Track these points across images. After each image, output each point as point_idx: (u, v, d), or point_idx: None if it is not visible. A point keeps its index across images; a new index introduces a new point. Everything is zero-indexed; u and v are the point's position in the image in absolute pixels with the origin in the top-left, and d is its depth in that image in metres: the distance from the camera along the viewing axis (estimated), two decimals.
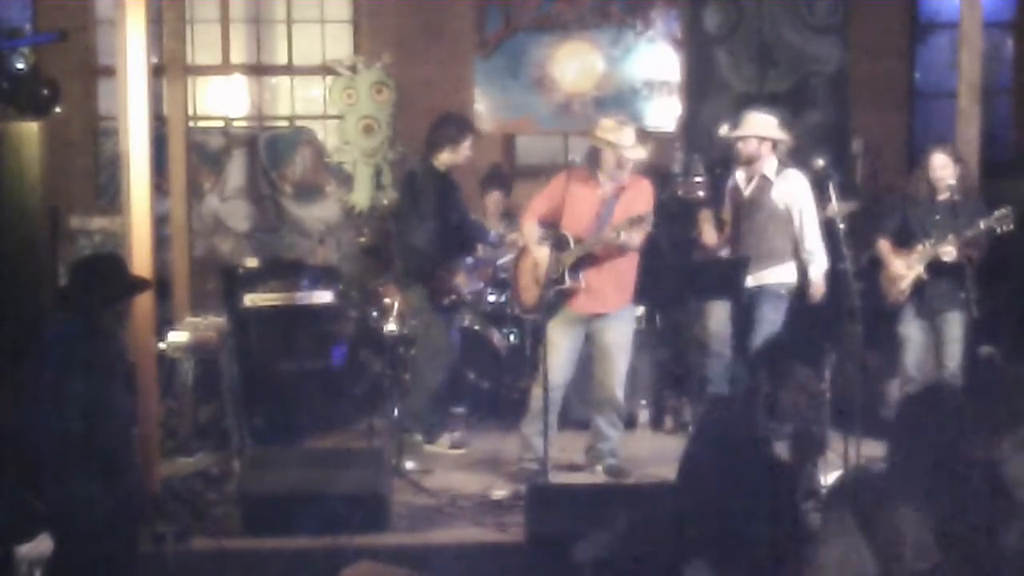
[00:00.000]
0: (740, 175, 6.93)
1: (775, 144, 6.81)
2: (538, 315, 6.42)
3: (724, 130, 7.30)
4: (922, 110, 9.61)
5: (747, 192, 6.86)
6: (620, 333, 6.45)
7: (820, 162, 6.55)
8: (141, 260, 5.65)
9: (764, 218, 6.79)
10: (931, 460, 2.99)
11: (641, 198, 6.36)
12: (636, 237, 6.23)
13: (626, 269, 6.42)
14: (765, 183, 6.82)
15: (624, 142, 6.27)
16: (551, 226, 6.43)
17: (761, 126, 6.81)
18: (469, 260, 7.40)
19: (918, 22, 9.64)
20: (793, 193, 6.79)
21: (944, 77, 8.93)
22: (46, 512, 4.72)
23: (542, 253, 6.36)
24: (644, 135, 6.56)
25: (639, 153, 6.36)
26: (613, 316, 6.42)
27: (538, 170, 8.69)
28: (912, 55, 9.60)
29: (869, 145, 9.14)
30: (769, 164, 6.81)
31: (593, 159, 6.41)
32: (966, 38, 6.71)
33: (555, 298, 6.30)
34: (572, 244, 6.29)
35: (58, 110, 7.03)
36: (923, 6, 9.67)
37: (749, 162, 6.83)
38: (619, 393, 6.43)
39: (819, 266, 6.80)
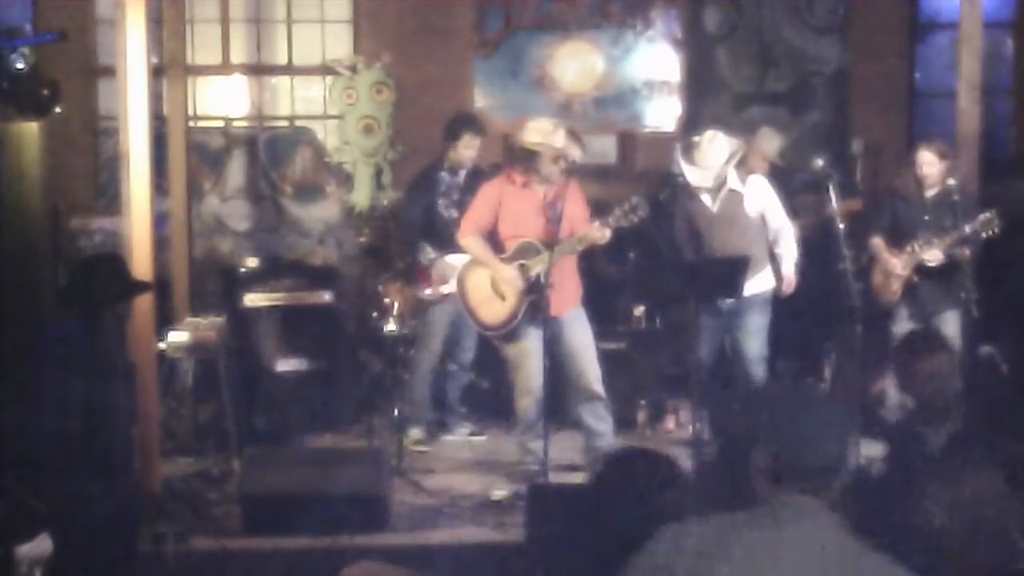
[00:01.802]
0: (705, 196, 6.73)
1: (731, 157, 6.63)
2: (507, 330, 6.36)
3: (682, 167, 6.93)
4: (922, 110, 9.61)
5: (715, 208, 6.72)
6: (585, 330, 6.44)
7: (820, 162, 6.54)
8: (141, 260, 5.64)
9: (740, 230, 6.66)
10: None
11: (579, 197, 6.40)
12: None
13: (575, 268, 6.46)
14: (735, 196, 6.67)
15: (558, 143, 6.26)
16: (488, 236, 6.40)
17: (717, 155, 6.59)
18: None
19: (918, 22, 9.64)
20: (761, 199, 6.71)
21: (944, 77, 8.93)
22: (46, 512, 4.73)
23: (506, 270, 6.28)
24: (574, 135, 6.49)
25: (576, 152, 6.34)
26: (575, 315, 6.42)
27: None
28: (912, 55, 9.60)
29: (869, 145, 9.13)
30: (731, 176, 6.65)
31: (526, 162, 6.33)
32: (966, 38, 6.71)
33: (531, 308, 6.25)
34: (543, 250, 6.22)
35: (58, 110, 7.03)
36: (923, 6, 9.67)
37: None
38: (599, 387, 6.42)
39: (790, 261, 6.72)
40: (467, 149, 7.09)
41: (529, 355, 6.29)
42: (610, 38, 9.36)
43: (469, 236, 6.44)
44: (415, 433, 7.15)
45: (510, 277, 6.28)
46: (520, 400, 6.45)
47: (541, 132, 6.31)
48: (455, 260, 6.86)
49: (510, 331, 6.36)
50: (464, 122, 7.23)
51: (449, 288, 6.93)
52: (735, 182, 6.68)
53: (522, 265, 6.27)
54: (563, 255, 6.23)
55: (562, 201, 6.26)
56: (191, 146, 8.05)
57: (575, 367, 6.40)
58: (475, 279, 6.49)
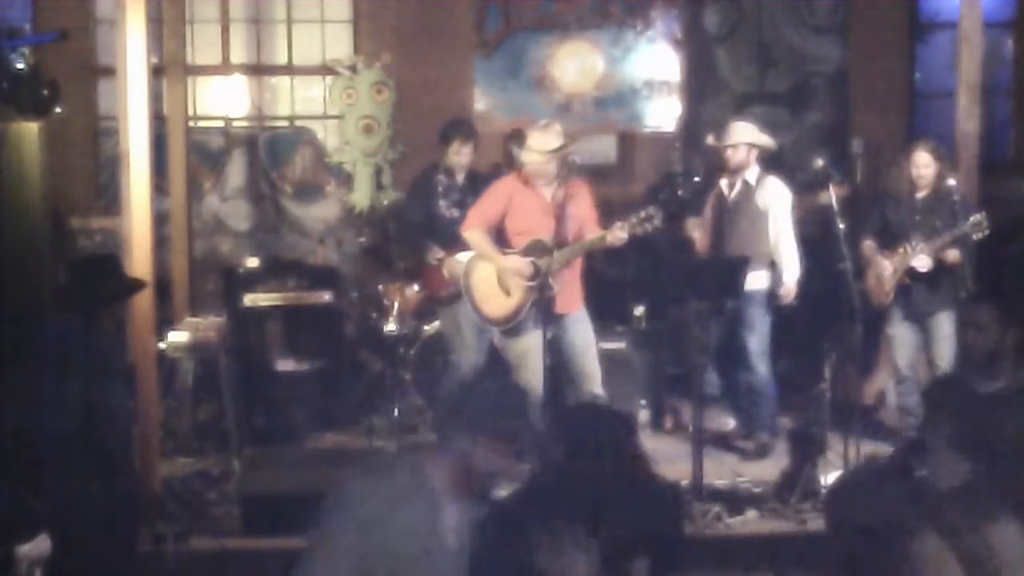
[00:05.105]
0: (724, 181, 6.94)
1: (756, 150, 6.85)
2: (511, 325, 6.33)
3: (711, 139, 7.28)
4: (922, 110, 9.62)
5: (731, 197, 6.88)
6: (588, 330, 6.45)
7: (820, 162, 6.56)
8: (141, 260, 5.64)
9: (747, 224, 6.79)
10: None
11: (587, 198, 6.39)
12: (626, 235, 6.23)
13: (579, 269, 6.45)
14: (748, 189, 6.83)
15: (550, 146, 6.24)
16: (494, 232, 6.39)
17: (748, 134, 6.84)
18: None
19: (918, 22, 9.65)
20: (772, 199, 6.79)
21: (944, 77, 8.93)
22: (46, 512, 4.72)
23: (514, 262, 6.29)
24: (559, 130, 6.48)
25: (553, 144, 6.24)
26: (580, 315, 6.42)
27: None
28: (912, 55, 9.61)
29: (869, 145, 9.14)
30: (751, 170, 6.85)
31: (524, 166, 6.34)
32: (966, 38, 6.71)
33: (536, 304, 6.23)
34: (553, 249, 6.18)
35: (58, 110, 7.04)
36: (923, 6, 9.68)
37: (738, 169, 6.85)
38: (599, 388, 6.42)
39: (792, 270, 6.77)
40: (456, 155, 7.03)
41: (531, 353, 6.29)
42: (610, 38, 9.37)
43: (474, 230, 6.41)
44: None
45: (521, 270, 6.28)
46: None
47: (536, 142, 6.29)
48: (465, 258, 6.82)
49: (514, 327, 6.35)
50: (454, 128, 7.16)
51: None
52: (751, 175, 6.83)
53: (533, 262, 6.27)
54: (574, 255, 6.25)
55: (570, 202, 6.28)
56: (191, 146, 8.05)
57: (577, 366, 6.41)
58: (480, 273, 6.47)
